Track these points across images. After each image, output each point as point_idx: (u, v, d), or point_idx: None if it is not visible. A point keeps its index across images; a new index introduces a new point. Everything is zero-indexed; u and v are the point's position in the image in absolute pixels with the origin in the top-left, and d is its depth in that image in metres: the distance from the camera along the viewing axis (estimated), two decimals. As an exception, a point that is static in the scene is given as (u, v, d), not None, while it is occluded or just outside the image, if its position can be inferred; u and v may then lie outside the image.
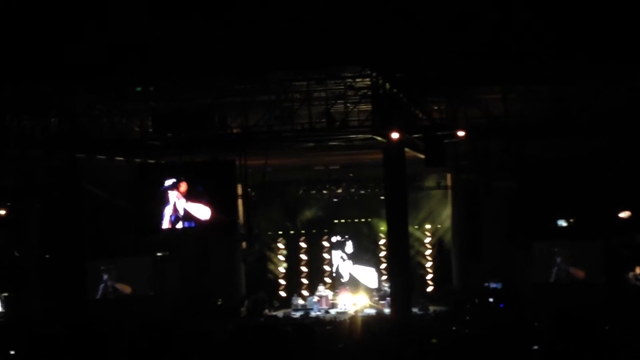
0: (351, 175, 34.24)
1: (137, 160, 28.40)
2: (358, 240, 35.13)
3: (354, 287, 33.80)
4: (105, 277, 30.61)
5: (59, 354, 3.56)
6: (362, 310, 31.04)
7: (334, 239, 35.21)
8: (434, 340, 13.30)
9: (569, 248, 29.47)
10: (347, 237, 35.14)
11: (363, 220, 34.99)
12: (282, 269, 35.60)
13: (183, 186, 25.92)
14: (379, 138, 24.29)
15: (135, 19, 21.45)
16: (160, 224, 26.02)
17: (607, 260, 29.13)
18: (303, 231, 35.66)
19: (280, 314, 31.86)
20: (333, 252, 35.16)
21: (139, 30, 21.45)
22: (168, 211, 25.97)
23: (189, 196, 25.94)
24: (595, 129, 24.98)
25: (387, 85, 23.81)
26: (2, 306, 30.49)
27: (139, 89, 25.14)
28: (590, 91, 23.91)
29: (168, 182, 25.93)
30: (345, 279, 34.73)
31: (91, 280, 29.72)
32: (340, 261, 35.09)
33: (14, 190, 28.88)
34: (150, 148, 26.66)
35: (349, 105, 24.82)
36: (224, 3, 21.39)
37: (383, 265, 34.07)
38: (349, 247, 35.11)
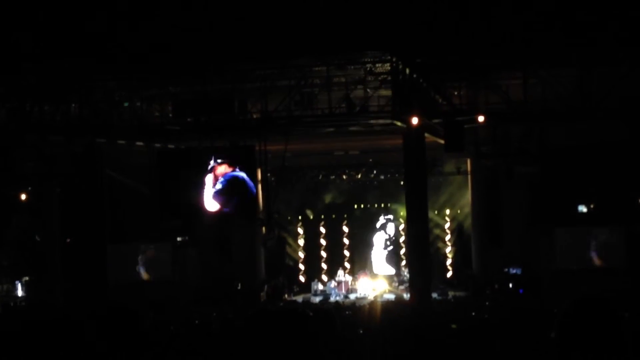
0: (371, 160, 34.19)
1: (157, 145, 28.49)
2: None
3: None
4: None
5: (83, 339, 3.56)
6: (381, 296, 31.06)
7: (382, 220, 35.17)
8: (454, 326, 13.28)
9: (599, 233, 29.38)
10: (389, 218, 35.05)
11: (382, 205, 34.95)
12: (301, 254, 35.65)
13: (223, 168, 26.23)
14: (398, 123, 24.22)
15: (155, 5, 21.48)
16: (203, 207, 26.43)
17: (628, 246, 28.99)
18: (322, 216, 35.67)
19: (299, 298, 31.92)
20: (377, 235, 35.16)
21: (160, 17, 21.47)
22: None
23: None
24: (617, 115, 24.81)
25: (407, 70, 23.74)
26: (23, 290, 30.69)
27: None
28: (613, 76, 23.73)
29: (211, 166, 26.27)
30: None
31: (129, 263, 30.15)
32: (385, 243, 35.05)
33: (35, 175, 28.99)
34: (170, 133, 26.72)
35: (368, 90, 24.78)
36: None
37: (402, 251, 34.03)
38: (391, 228, 35.08)
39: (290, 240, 35.69)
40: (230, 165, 26.24)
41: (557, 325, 3.48)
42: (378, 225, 35.04)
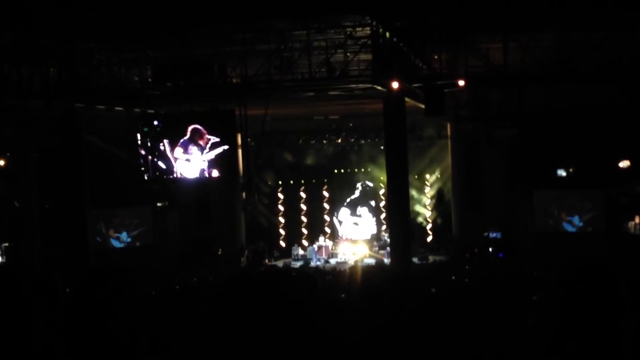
0: (351, 125, 34.16)
1: (137, 110, 28.37)
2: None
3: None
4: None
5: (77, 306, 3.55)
6: (361, 260, 31.14)
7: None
8: (433, 290, 13.33)
9: (571, 197, 29.59)
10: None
11: (363, 170, 34.97)
12: (281, 219, 35.64)
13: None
14: (379, 87, 24.19)
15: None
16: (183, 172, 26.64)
17: (607, 209, 29.19)
18: (303, 181, 35.67)
19: (280, 263, 31.97)
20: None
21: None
22: (195, 161, 26.50)
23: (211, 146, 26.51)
24: (596, 78, 24.85)
25: (387, 34, 23.66)
26: (3, 256, 30.56)
27: None
28: (592, 40, 23.75)
29: (189, 132, 26.37)
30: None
31: (108, 229, 30.19)
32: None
33: (13, 140, 28.81)
34: (149, 98, 26.59)
35: (349, 54, 24.70)
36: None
37: (383, 215, 34.12)
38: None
39: (266, 204, 35.58)
40: (209, 133, 26.48)
41: (556, 284, 3.49)
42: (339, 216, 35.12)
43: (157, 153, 26.85)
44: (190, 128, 26.49)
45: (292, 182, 35.74)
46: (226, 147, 26.56)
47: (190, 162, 26.58)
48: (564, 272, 3.47)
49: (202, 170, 26.65)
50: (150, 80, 25.99)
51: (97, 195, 29.88)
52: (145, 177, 27.54)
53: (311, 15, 22.72)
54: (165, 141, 26.74)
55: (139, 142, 27.13)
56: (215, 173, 26.74)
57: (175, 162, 26.66)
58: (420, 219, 34.52)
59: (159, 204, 32.05)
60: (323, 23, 23.58)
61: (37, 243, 28.91)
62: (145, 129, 27.07)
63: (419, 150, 33.35)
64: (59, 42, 24.17)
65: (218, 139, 26.54)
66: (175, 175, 26.84)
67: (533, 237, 29.51)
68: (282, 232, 35.59)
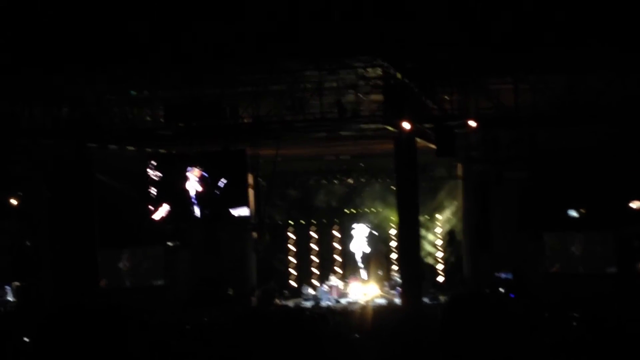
0: (362, 165, 34.19)
1: (148, 150, 28.49)
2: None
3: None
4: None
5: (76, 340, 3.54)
6: (372, 300, 31.05)
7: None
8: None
9: (582, 238, 29.45)
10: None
11: (374, 210, 34.94)
12: (292, 259, 35.54)
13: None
14: (390, 128, 24.27)
15: (146, 7, 21.45)
16: (194, 213, 26.80)
17: (618, 250, 29.05)
18: (314, 221, 35.63)
19: (290, 303, 31.85)
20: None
21: (150, 19, 21.45)
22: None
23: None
24: (607, 119, 24.87)
25: (399, 75, 23.77)
26: (14, 295, 30.55)
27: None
28: (602, 80, 23.81)
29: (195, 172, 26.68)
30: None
31: (119, 268, 30.25)
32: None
33: (25, 179, 28.91)
34: (161, 138, 26.71)
35: (360, 95, 24.81)
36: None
37: (394, 255, 34.03)
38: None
39: (277, 244, 35.49)
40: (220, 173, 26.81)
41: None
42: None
43: (168, 192, 26.96)
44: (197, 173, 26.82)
45: (302, 221, 35.71)
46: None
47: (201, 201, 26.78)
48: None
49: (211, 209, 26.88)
50: (162, 120, 26.12)
51: (109, 235, 29.89)
52: (156, 217, 27.63)
53: (323, 56, 22.86)
54: (176, 180, 26.86)
55: (150, 181, 27.26)
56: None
57: (186, 201, 26.79)
58: (431, 259, 34.41)
59: (170, 244, 32.03)
60: (335, 64, 23.70)
61: (48, 282, 28.90)
62: (156, 169, 27.25)
63: (430, 190, 33.32)
64: (70, 81, 24.35)
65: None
66: (186, 214, 26.96)
67: (544, 278, 29.37)
68: (292, 271, 35.49)
